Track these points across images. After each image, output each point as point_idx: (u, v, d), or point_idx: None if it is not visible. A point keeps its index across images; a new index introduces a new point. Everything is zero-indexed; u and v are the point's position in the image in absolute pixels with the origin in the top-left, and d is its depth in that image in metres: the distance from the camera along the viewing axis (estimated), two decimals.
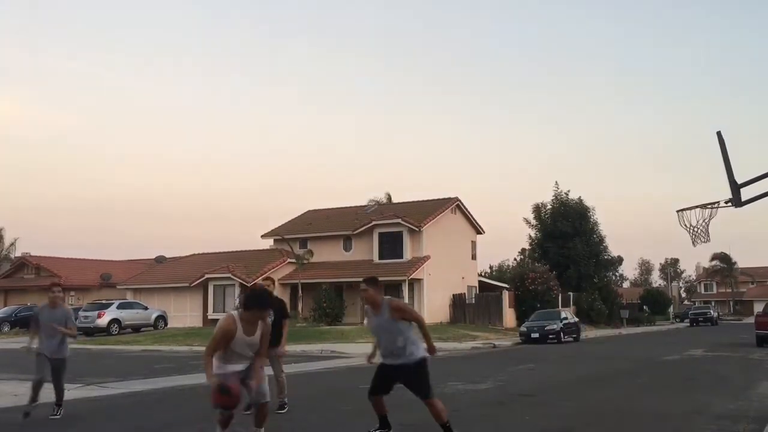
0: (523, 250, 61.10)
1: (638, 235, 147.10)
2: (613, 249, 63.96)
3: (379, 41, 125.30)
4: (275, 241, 42.34)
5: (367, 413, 9.17)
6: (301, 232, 41.78)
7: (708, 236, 9.66)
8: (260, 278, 8.73)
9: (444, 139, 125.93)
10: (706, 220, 9.59)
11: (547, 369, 16.45)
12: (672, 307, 72.79)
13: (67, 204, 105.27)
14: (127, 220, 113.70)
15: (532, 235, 52.30)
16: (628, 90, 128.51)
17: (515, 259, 70.89)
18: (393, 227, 38.01)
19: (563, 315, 31.78)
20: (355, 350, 22.27)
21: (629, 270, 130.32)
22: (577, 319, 33.76)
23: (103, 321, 32.69)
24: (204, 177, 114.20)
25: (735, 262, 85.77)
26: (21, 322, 37.60)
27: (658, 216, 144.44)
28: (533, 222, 52.01)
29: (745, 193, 9.41)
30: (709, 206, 9.73)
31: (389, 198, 47.54)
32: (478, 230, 43.34)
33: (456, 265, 39.56)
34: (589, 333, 37.34)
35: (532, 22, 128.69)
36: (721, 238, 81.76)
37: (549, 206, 51.44)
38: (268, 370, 8.17)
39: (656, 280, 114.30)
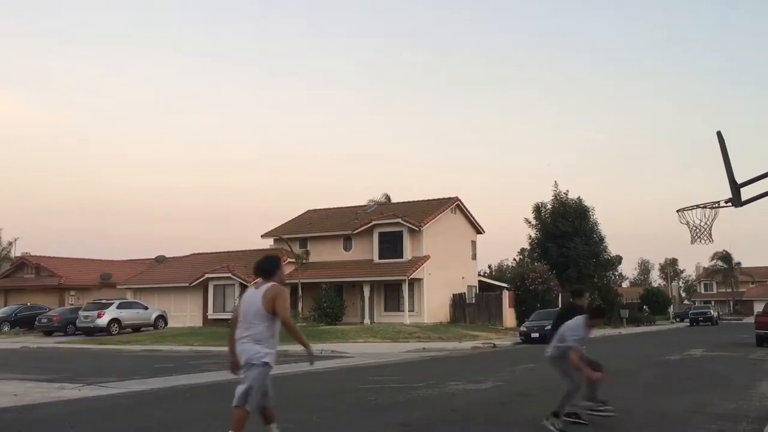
0: (523, 250, 61.18)
1: (638, 235, 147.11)
2: (613, 249, 63.95)
3: (379, 41, 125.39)
4: (275, 240, 42.33)
5: (367, 413, 9.17)
6: (301, 232, 41.78)
7: (711, 237, 9.67)
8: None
9: (444, 138, 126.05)
10: (708, 222, 9.60)
11: (547, 369, 16.35)
12: (672, 306, 72.78)
13: (67, 204, 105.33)
14: (127, 220, 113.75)
15: (533, 234, 52.27)
16: (628, 90, 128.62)
17: (515, 259, 70.98)
18: (393, 227, 37.99)
19: None
20: (355, 350, 22.27)
21: (629, 270, 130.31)
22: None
23: (103, 321, 32.67)
24: (204, 177, 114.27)
25: (739, 262, 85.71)
26: (21, 322, 37.62)
27: (658, 216, 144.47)
28: (533, 222, 52.00)
29: (745, 193, 9.43)
30: (709, 206, 9.74)
31: (388, 198, 47.52)
32: (478, 230, 43.33)
33: (456, 265, 39.56)
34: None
35: (533, 22, 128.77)
36: (721, 237, 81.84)
37: (549, 206, 51.45)
38: None
39: (656, 279, 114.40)
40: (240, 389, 5.70)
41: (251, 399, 5.71)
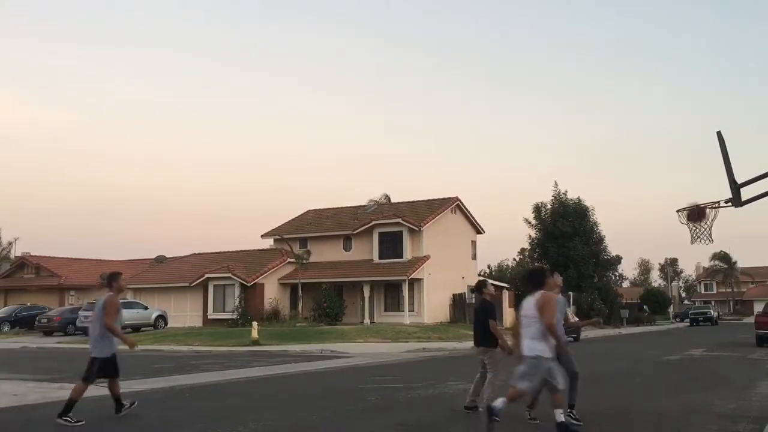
0: (523, 250, 61.17)
1: (638, 235, 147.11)
2: (613, 249, 63.91)
3: (379, 40, 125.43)
4: (275, 240, 42.34)
5: (367, 413, 9.17)
6: (301, 231, 41.78)
7: (711, 237, 9.66)
8: None
9: (444, 138, 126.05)
10: (708, 222, 9.58)
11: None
12: (672, 306, 72.77)
13: (66, 204, 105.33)
14: (127, 220, 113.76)
15: (532, 235, 52.26)
16: (628, 90, 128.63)
17: (515, 259, 71.02)
18: (393, 227, 37.99)
19: None
20: (355, 350, 22.26)
21: (629, 270, 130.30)
22: (577, 319, 33.72)
23: None
24: (204, 177, 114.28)
25: (735, 262, 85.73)
26: (21, 322, 37.61)
27: (657, 216, 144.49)
28: (533, 222, 52.00)
29: (745, 193, 9.41)
30: (709, 206, 9.73)
31: (388, 198, 47.54)
32: (478, 230, 43.33)
33: (456, 265, 39.54)
34: (589, 333, 37.34)
35: (533, 22, 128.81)
36: (721, 238, 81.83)
37: (549, 206, 51.45)
38: None
39: (656, 279, 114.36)
40: (519, 373, 7.20)
41: (523, 381, 7.11)
